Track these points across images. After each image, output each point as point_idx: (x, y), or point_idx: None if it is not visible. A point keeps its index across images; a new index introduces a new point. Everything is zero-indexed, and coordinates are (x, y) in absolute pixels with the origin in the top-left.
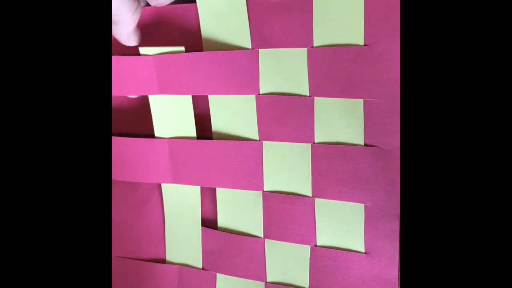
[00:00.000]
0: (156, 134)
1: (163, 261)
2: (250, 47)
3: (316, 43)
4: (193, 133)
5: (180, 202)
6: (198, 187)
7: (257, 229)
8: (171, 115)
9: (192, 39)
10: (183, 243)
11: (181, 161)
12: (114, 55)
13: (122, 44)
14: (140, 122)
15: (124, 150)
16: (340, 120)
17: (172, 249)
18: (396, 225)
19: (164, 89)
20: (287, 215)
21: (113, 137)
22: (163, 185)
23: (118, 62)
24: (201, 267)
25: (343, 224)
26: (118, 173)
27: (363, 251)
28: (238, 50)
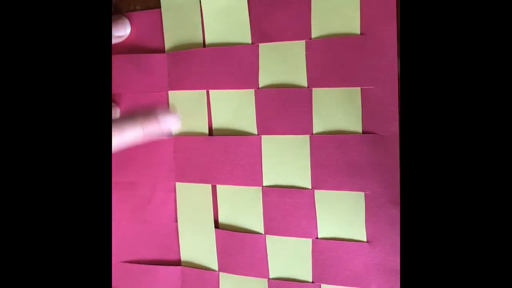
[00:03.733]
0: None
1: (170, 262)
2: (250, 42)
3: (314, 34)
4: (205, 129)
5: (192, 202)
6: (209, 186)
7: (258, 225)
8: (187, 111)
9: None
10: (197, 244)
11: (184, 159)
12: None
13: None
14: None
15: (126, 150)
16: (338, 109)
17: (186, 251)
18: (397, 212)
19: (173, 86)
20: (287, 209)
21: None
22: (177, 185)
23: (130, 60)
24: (217, 269)
25: (343, 214)
26: (120, 173)
27: (365, 240)
28: (238, 46)
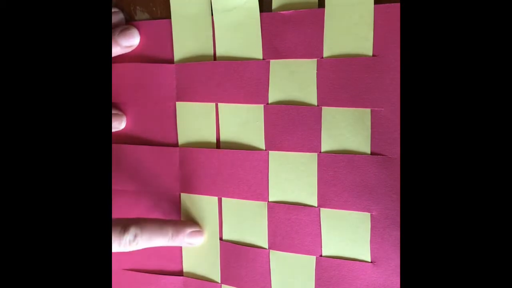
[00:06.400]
0: (180, 141)
1: (173, 272)
2: (261, 57)
3: (326, 53)
4: (213, 142)
5: (197, 213)
6: (215, 198)
7: (262, 240)
8: (195, 122)
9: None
10: (201, 255)
11: (190, 170)
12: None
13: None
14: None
15: (132, 158)
16: (347, 129)
17: (189, 261)
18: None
19: (182, 97)
20: (292, 226)
21: (120, 145)
22: (182, 196)
23: (139, 69)
24: (219, 281)
25: (349, 234)
26: (125, 182)
27: (369, 261)
28: (250, 61)
